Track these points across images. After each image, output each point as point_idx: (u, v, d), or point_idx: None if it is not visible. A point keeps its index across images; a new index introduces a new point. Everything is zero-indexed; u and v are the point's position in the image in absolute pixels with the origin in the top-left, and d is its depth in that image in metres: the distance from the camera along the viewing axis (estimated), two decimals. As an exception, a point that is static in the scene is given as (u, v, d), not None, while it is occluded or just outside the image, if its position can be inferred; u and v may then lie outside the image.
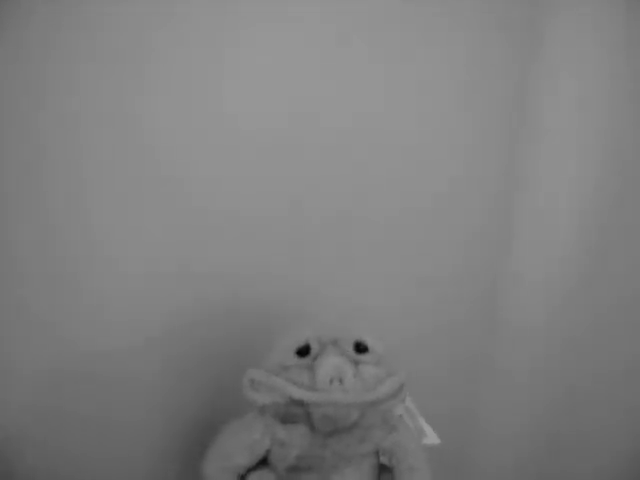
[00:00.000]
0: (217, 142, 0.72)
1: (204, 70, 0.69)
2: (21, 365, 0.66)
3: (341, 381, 0.59)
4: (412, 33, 0.80)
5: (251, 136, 0.73)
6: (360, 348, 0.62)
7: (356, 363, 0.61)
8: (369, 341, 0.63)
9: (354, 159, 0.80)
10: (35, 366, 0.66)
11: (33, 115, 0.61)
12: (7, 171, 0.62)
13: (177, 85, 0.68)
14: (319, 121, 0.77)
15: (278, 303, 0.77)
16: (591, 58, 0.86)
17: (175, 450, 0.76)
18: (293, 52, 0.73)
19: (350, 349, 0.62)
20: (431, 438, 0.75)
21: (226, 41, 0.69)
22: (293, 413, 0.62)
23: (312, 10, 0.73)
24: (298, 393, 0.59)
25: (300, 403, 0.60)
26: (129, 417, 0.73)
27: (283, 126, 0.75)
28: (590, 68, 0.86)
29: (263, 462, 0.65)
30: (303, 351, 0.61)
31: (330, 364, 0.60)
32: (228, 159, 0.73)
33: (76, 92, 0.63)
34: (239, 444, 0.64)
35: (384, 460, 0.67)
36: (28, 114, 0.61)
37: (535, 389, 1.00)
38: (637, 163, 0.89)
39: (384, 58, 0.79)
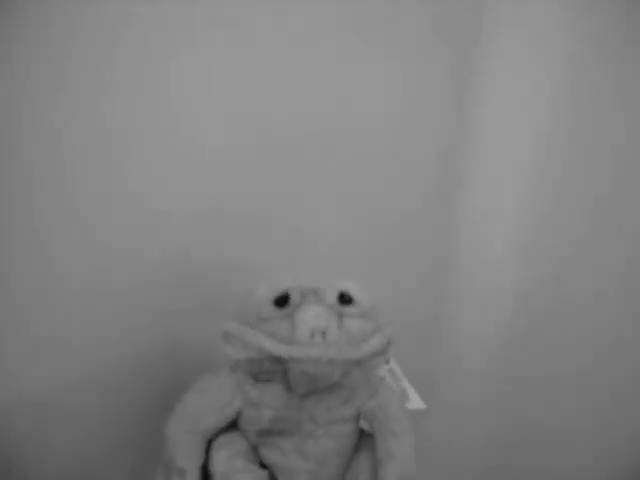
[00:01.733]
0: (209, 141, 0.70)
1: (187, 72, 0.67)
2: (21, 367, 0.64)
3: (323, 335, 0.53)
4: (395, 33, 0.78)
5: (243, 134, 0.71)
6: (345, 299, 0.56)
7: (340, 316, 0.55)
8: (354, 292, 0.56)
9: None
10: (35, 365, 0.65)
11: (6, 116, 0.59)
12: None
13: (167, 88, 0.66)
14: (308, 121, 0.76)
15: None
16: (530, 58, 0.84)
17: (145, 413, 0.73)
18: (283, 53, 0.72)
19: (334, 300, 0.56)
20: (415, 402, 0.70)
21: (215, 41, 0.68)
22: (269, 370, 0.56)
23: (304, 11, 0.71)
24: (275, 347, 0.53)
25: (277, 359, 0.54)
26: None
27: (275, 125, 0.73)
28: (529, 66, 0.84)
29: (234, 425, 0.59)
30: (281, 301, 0.55)
31: (311, 315, 0.54)
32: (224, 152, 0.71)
33: (45, 92, 0.60)
34: (207, 405, 0.58)
35: (364, 424, 0.62)
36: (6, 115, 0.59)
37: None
38: (576, 162, 0.85)
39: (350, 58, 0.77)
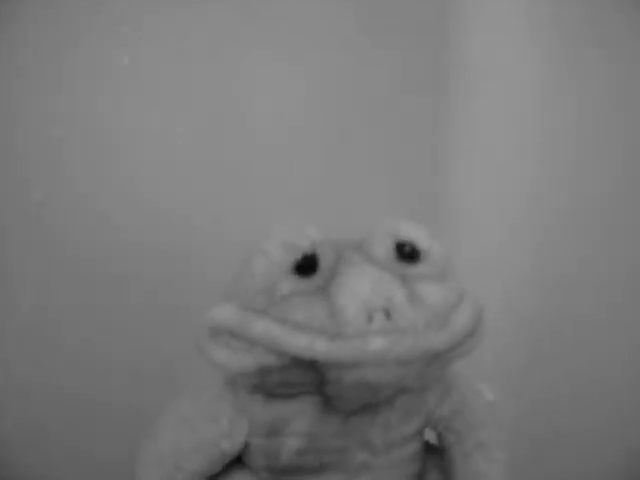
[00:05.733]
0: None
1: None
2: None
3: (388, 314, 0.31)
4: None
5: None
6: (407, 252, 0.34)
7: (405, 280, 0.33)
8: (421, 239, 0.35)
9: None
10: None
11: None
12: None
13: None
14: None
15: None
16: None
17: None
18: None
19: (390, 255, 0.34)
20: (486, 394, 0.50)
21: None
22: (294, 382, 0.34)
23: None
24: (309, 346, 0.31)
25: (310, 365, 0.32)
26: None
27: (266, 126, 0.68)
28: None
29: (238, 461, 0.39)
30: (306, 265, 0.33)
31: (363, 284, 0.32)
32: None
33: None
34: (191, 441, 0.37)
35: (431, 438, 0.42)
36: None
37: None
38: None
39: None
